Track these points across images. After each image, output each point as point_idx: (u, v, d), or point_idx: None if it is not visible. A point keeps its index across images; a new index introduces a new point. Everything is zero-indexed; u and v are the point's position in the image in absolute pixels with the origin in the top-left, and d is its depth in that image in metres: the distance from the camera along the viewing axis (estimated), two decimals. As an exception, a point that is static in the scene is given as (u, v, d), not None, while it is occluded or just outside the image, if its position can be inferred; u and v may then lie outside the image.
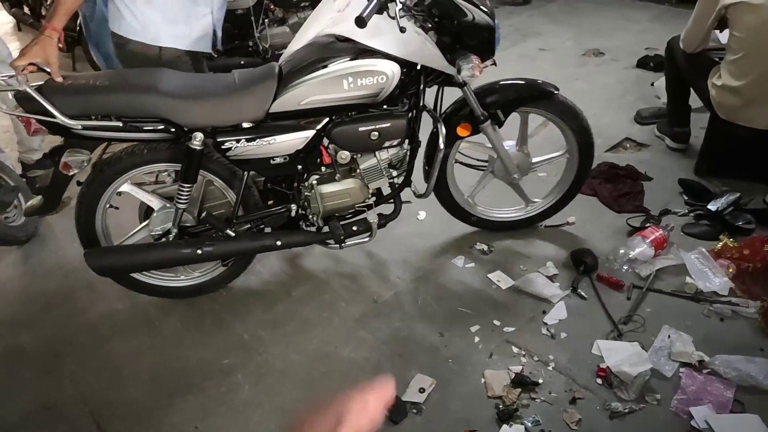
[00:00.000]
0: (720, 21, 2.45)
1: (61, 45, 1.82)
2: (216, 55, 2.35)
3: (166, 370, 2.01)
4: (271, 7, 3.68)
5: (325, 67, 1.82)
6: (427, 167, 2.26)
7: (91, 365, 2.06)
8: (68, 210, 2.99)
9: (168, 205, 2.06)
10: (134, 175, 2.00)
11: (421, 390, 1.83)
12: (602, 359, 1.88)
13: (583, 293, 2.15)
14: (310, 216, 2.11)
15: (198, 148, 1.85)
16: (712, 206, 2.40)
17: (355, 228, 2.11)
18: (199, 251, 1.97)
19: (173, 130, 1.83)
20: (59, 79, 1.77)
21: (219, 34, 2.25)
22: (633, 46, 4.20)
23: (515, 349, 1.96)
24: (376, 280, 2.33)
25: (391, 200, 2.20)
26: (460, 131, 2.15)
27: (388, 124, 1.95)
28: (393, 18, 1.71)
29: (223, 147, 1.89)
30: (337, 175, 2.05)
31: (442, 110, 2.17)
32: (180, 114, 1.81)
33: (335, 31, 1.83)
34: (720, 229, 2.33)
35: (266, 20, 3.69)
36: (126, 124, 1.79)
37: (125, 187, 2.02)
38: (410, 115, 1.99)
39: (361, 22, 1.57)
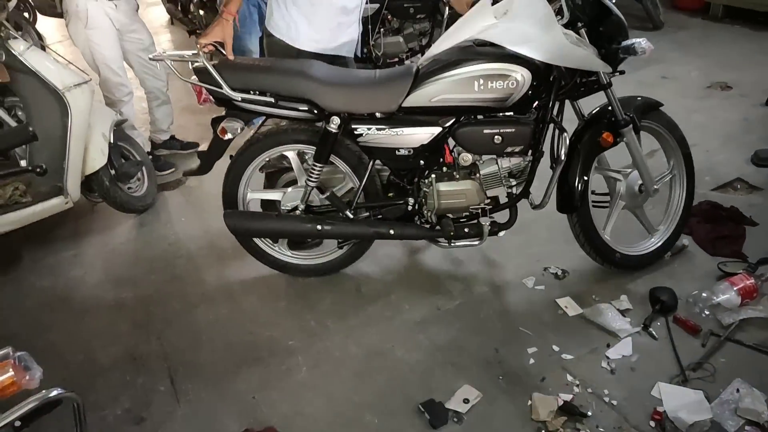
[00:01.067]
0: None
1: (237, 25, 2.17)
2: (355, 60, 2.55)
3: (239, 341, 2.20)
4: (389, 17, 3.84)
5: (458, 67, 1.95)
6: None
7: (177, 327, 2.30)
8: (183, 188, 3.33)
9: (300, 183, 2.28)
10: (275, 152, 2.24)
11: (466, 401, 1.86)
12: (661, 402, 1.80)
13: (654, 333, 2.06)
14: (426, 212, 2.21)
15: (334, 130, 2.05)
16: (818, 261, 2.20)
17: (466, 230, 2.19)
18: (318, 227, 2.16)
19: (315, 111, 2.05)
20: (231, 58, 2.07)
21: (358, 40, 2.46)
22: (767, 83, 3.89)
23: (569, 377, 1.92)
24: (443, 288, 2.38)
25: (507, 209, 2.24)
26: (604, 141, 2.12)
27: (513, 130, 2.03)
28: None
29: (355, 132, 2.08)
30: (457, 175, 2.13)
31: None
32: (323, 97, 2.02)
33: (484, 36, 1.92)
34: (823, 288, 2.13)
35: (382, 29, 3.86)
36: (277, 101, 2.04)
37: (289, 153, 2.25)
38: (536, 125, 2.05)
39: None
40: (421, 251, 2.62)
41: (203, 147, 2.45)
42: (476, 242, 2.21)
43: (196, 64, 2.03)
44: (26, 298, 2.54)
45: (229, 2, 2.07)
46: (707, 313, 2.09)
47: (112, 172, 2.80)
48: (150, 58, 2.17)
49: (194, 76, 2.05)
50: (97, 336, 2.28)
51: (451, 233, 2.16)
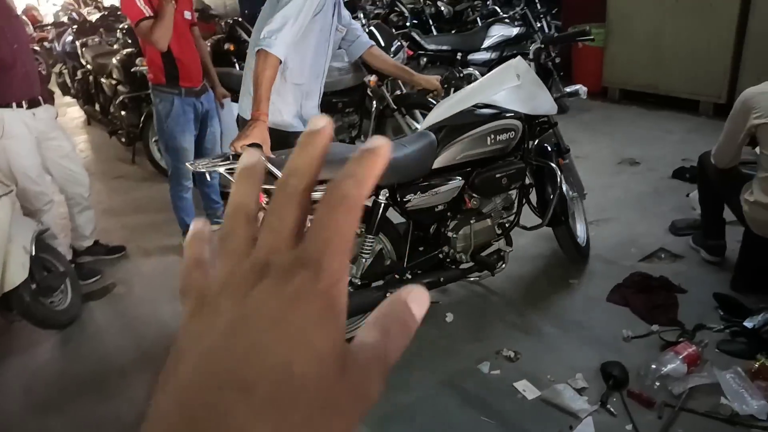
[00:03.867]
0: (751, 138, 2.49)
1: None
2: None
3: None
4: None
5: (475, 127, 2.38)
6: (540, 206, 2.76)
7: (113, 454, 2.08)
8: (111, 296, 3.13)
9: None
10: None
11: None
12: (631, 483, 1.78)
13: (612, 409, 2.08)
14: (458, 255, 2.50)
15: (383, 202, 2.26)
16: (748, 323, 2.33)
17: (494, 257, 2.58)
18: (387, 294, 2.18)
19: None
20: (271, 156, 2.06)
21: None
22: (669, 157, 4.25)
23: (538, 466, 1.89)
24: (396, 383, 2.31)
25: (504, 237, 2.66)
26: (561, 164, 2.74)
27: (515, 170, 2.50)
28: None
29: (404, 200, 2.31)
30: (473, 219, 2.48)
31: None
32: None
33: (497, 99, 2.44)
34: (757, 348, 2.24)
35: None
36: None
37: None
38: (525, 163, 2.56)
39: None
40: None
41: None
42: (504, 266, 2.61)
43: (222, 168, 2.04)
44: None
45: (261, 104, 2.11)
46: (658, 384, 2.14)
47: (33, 286, 2.60)
48: (202, 170, 2.12)
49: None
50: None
51: (494, 264, 2.56)
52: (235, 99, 3.62)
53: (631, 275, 2.82)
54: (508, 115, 2.44)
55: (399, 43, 3.93)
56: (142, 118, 4.47)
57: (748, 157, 2.72)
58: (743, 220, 2.58)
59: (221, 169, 2.04)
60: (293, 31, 2.16)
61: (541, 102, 2.55)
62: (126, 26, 5.44)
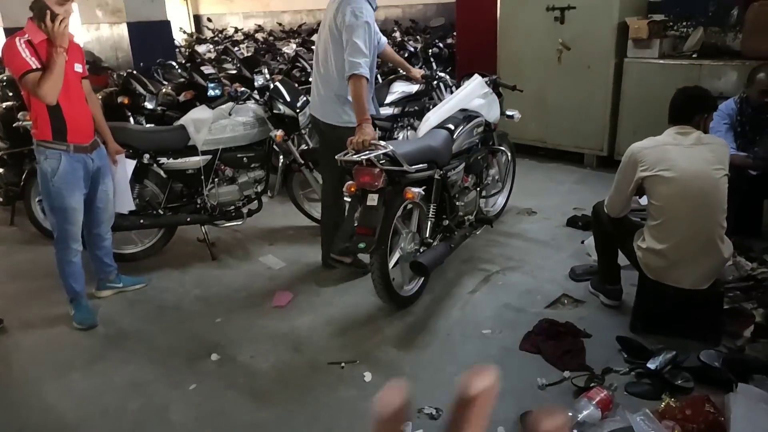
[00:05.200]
0: (639, 189, 2.70)
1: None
2: None
3: None
4: (222, 167, 3.81)
5: (468, 123, 3.53)
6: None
7: None
8: None
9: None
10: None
11: None
12: None
13: (535, 461, 2.08)
14: (466, 218, 3.56)
15: (438, 178, 3.16)
16: (651, 364, 2.46)
17: (482, 217, 3.79)
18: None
19: (436, 168, 3.16)
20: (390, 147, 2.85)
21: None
22: (562, 206, 4.52)
23: None
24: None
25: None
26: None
27: (488, 155, 3.92)
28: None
29: (448, 176, 3.26)
30: (470, 191, 3.63)
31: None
32: (439, 159, 3.17)
33: (470, 106, 3.67)
34: (661, 388, 2.37)
35: (216, 180, 3.81)
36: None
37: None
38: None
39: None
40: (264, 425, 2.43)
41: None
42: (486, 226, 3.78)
43: (371, 155, 2.74)
44: None
45: (364, 111, 2.98)
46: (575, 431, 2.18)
47: None
48: (338, 159, 2.85)
49: (368, 168, 2.79)
50: None
51: (491, 219, 3.80)
52: (130, 156, 3.45)
53: (540, 322, 2.91)
54: (479, 116, 3.64)
55: (304, 98, 3.93)
56: (24, 176, 4.12)
57: (635, 205, 2.94)
58: (638, 266, 2.76)
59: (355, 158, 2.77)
60: (368, 57, 3.03)
61: (494, 112, 3.85)
62: (5, 78, 5.06)
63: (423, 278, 3.23)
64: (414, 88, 4.83)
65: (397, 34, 9.57)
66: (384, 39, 3.53)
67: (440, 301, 3.24)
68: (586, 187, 5.02)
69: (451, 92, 4.15)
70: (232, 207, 3.91)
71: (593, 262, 3.50)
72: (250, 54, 6.94)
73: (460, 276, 3.51)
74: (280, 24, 12.51)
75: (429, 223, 3.11)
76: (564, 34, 5.27)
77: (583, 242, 3.83)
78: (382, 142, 2.87)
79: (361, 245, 2.79)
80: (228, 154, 3.78)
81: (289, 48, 7.99)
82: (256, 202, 4.00)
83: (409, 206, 3.13)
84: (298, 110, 3.82)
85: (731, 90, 4.43)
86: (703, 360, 2.50)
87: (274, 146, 3.95)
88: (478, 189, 3.71)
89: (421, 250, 3.07)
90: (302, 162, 3.97)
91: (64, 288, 3.15)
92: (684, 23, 5.23)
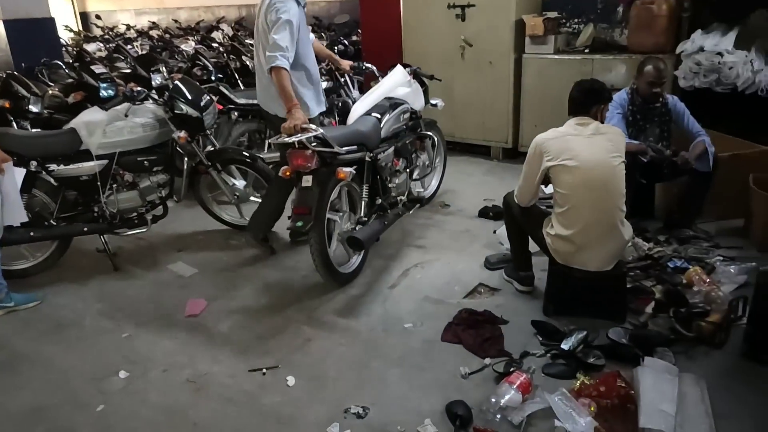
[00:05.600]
0: (545, 178, 2.80)
1: None
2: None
3: None
4: (121, 172, 3.57)
5: (396, 110, 3.75)
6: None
7: None
8: None
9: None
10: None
11: None
12: None
13: (463, 450, 2.11)
14: (398, 198, 3.78)
15: (369, 160, 3.39)
16: (564, 345, 2.56)
17: (414, 197, 4.07)
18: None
19: (365, 150, 3.37)
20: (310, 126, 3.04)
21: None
22: (473, 198, 4.63)
23: None
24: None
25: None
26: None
27: (417, 140, 4.17)
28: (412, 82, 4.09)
29: (378, 158, 3.47)
30: (401, 173, 3.86)
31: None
32: (368, 142, 3.37)
33: (394, 94, 3.89)
34: (575, 367, 2.48)
35: (115, 186, 3.56)
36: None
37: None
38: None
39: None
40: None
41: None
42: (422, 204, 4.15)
43: (303, 137, 2.91)
44: None
45: (290, 98, 3.17)
46: (498, 416, 2.23)
47: None
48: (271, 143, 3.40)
49: (300, 150, 2.95)
50: None
51: (421, 200, 4.11)
52: (18, 163, 3.16)
53: (459, 312, 2.96)
54: (405, 103, 3.87)
55: (208, 98, 3.76)
56: None
57: (540, 194, 3.06)
58: (547, 251, 2.87)
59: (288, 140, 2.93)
60: (288, 51, 3.19)
61: (419, 101, 4.11)
62: None
63: (362, 254, 3.45)
64: (322, 84, 4.77)
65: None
66: (312, 35, 3.81)
67: (360, 298, 3.21)
68: (494, 178, 5.18)
69: (359, 87, 4.86)
70: (135, 214, 3.68)
71: (506, 250, 3.61)
72: (145, 52, 6.56)
73: (379, 272, 3.50)
74: (176, 21, 12.00)
75: (363, 203, 3.35)
76: (466, 31, 5.41)
77: (495, 232, 3.94)
78: (313, 126, 3.02)
79: (299, 223, 2.97)
80: (127, 158, 3.55)
81: (188, 46, 7.66)
82: (160, 207, 3.79)
83: (344, 188, 3.35)
84: (201, 109, 3.64)
85: (621, 82, 4.73)
86: (612, 338, 2.65)
87: (178, 148, 3.75)
88: (408, 172, 3.94)
89: (357, 228, 3.27)
90: (209, 164, 3.81)
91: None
92: (575, 20, 5.52)
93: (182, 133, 3.60)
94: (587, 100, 2.78)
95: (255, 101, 4.71)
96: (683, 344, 2.63)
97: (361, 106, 3.74)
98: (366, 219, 3.33)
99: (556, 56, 5.14)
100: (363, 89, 6.20)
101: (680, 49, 4.43)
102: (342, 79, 5.19)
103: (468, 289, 3.27)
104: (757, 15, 4.42)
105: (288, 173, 3.04)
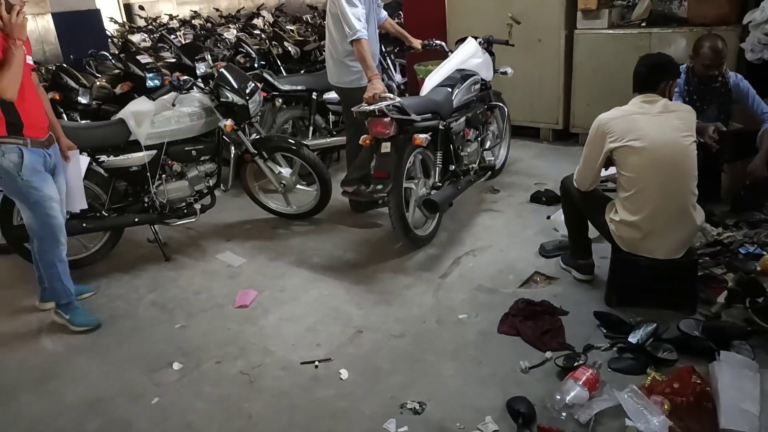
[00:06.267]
0: (607, 160, 2.64)
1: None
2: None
3: None
4: (169, 162, 3.56)
5: (467, 81, 3.85)
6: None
7: None
8: None
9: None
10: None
11: None
12: None
13: (527, 449, 2.01)
14: (470, 166, 3.91)
15: (442, 128, 3.50)
16: (632, 338, 2.42)
17: (486, 164, 4.17)
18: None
19: (439, 119, 3.48)
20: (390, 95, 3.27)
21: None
22: (523, 182, 4.47)
23: None
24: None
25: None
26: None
27: (489, 111, 4.26)
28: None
29: (451, 127, 3.59)
30: (473, 142, 4.04)
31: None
32: (442, 111, 3.50)
33: (465, 66, 3.96)
34: (645, 362, 2.33)
35: (164, 176, 3.56)
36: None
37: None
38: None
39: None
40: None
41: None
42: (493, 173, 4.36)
43: (381, 105, 3.11)
44: None
45: (370, 68, 3.42)
46: (564, 414, 2.12)
47: None
48: (353, 110, 3.25)
49: (380, 118, 3.13)
50: None
51: (493, 166, 4.26)
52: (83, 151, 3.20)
53: (516, 302, 2.84)
54: (475, 74, 3.95)
55: (254, 85, 3.71)
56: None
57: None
58: (611, 239, 2.71)
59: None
60: (361, 21, 3.44)
61: (489, 72, 4.15)
62: None
63: (436, 218, 3.61)
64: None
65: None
66: (384, 13, 4.02)
67: (411, 288, 3.13)
68: (544, 161, 4.99)
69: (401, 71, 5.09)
70: (183, 204, 3.67)
71: (561, 237, 3.46)
72: (189, 41, 6.58)
73: (429, 260, 3.41)
74: (217, 10, 12.06)
75: (437, 169, 3.53)
76: (513, 8, 5.19)
77: (549, 217, 3.78)
78: (390, 95, 3.22)
79: (379, 186, 3.17)
80: (174, 148, 3.54)
81: (231, 34, 7.65)
82: (208, 197, 3.77)
83: (419, 155, 3.48)
84: (247, 97, 3.59)
85: (681, 56, 4.44)
86: (683, 330, 2.48)
87: (224, 137, 3.71)
88: (479, 140, 4.08)
89: (431, 193, 3.48)
90: (255, 152, 3.77)
91: (50, 293, 2.97)
92: (630, -8, 5.23)
93: (228, 122, 3.56)
94: (654, 76, 2.59)
95: (300, 87, 4.70)
96: (762, 337, 2.44)
97: (434, 78, 3.80)
98: (440, 184, 3.51)
99: (611, 31, 4.88)
100: (405, 73, 6.08)
101: (747, 19, 4.12)
102: (384, 63, 5.09)
103: (523, 277, 3.14)
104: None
105: (368, 141, 3.22)
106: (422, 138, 3.22)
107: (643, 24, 4.86)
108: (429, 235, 3.56)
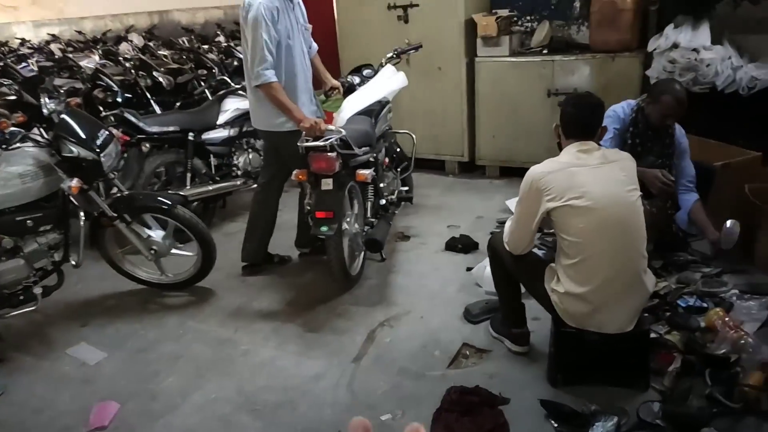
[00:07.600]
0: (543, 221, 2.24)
1: None
2: None
3: None
4: (-5, 236, 2.74)
5: (383, 109, 3.64)
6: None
7: None
8: None
9: None
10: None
11: None
12: None
13: None
14: (387, 198, 3.71)
15: (373, 159, 3.41)
16: (592, 438, 2.01)
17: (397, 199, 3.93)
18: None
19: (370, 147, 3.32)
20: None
21: None
22: (434, 226, 4.05)
23: None
24: None
25: None
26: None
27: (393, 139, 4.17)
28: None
29: (377, 158, 3.52)
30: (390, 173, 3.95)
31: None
32: (372, 142, 3.31)
33: (387, 92, 3.70)
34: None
35: None
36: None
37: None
38: None
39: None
40: None
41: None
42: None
43: (332, 140, 2.85)
44: None
45: (294, 110, 2.99)
46: None
47: None
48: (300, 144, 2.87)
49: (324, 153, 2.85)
50: None
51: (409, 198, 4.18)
52: None
53: (448, 392, 2.35)
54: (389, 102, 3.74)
55: (107, 133, 2.98)
56: None
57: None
58: (553, 312, 2.31)
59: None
60: (269, 56, 2.90)
61: (405, 82, 3.82)
62: None
63: (362, 256, 3.39)
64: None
65: (222, 39, 8.61)
66: (315, 45, 3.52)
67: (321, 379, 2.56)
68: (453, 197, 4.63)
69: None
70: (20, 288, 2.87)
71: (486, 293, 3.06)
72: (32, 74, 5.56)
73: (339, 337, 2.86)
74: (80, 32, 10.83)
75: (369, 203, 3.38)
76: (410, 34, 4.80)
77: (469, 269, 3.36)
78: (333, 127, 2.96)
79: (324, 228, 2.85)
80: (3, 219, 2.73)
81: (92, 61, 6.67)
82: (54, 274, 2.99)
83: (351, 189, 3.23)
84: (98, 149, 2.87)
85: (585, 85, 4.28)
86: (644, 418, 2.11)
87: (71, 199, 2.95)
88: (396, 169, 3.94)
89: (365, 230, 3.30)
90: (115, 215, 3.03)
91: None
92: (528, 18, 5.03)
93: (74, 182, 2.81)
94: (594, 120, 2.24)
95: (171, 128, 3.99)
96: (728, 418, 2.12)
97: (352, 105, 3.44)
98: (373, 220, 3.38)
99: (512, 59, 4.62)
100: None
101: (652, 46, 3.99)
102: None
103: (451, 353, 2.67)
104: (723, 5, 4.08)
105: (302, 176, 2.98)
106: (366, 174, 3.05)
107: (545, 51, 4.66)
108: (358, 274, 3.34)
